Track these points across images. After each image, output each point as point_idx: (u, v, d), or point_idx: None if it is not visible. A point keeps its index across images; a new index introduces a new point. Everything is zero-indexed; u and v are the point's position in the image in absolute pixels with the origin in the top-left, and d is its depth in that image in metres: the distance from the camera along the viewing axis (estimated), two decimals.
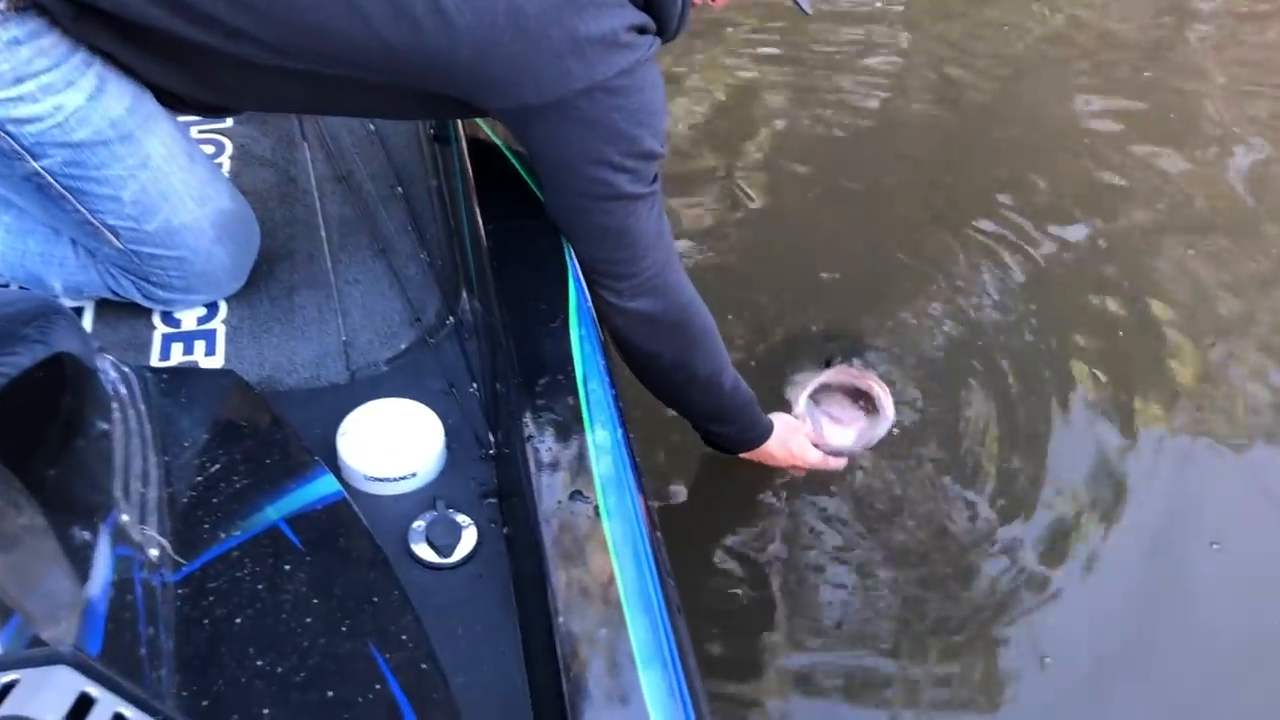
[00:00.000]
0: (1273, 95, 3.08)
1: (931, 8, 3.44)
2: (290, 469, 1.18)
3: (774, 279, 2.33)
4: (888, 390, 1.83)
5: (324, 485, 1.18)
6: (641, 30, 1.27)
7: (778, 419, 1.76)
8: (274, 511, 1.11)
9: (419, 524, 1.23)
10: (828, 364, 1.88)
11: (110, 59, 1.26)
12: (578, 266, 1.43)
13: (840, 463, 1.84)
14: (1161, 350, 2.22)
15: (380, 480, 1.27)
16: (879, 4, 3.42)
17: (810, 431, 1.80)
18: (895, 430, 1.88)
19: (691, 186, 2.58)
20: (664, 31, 1.32)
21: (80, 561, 0.78)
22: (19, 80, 1.19)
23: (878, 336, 2.20)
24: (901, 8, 3.42)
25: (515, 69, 1.22)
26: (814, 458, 1.80)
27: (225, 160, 1.74)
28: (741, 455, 1.77)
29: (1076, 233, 2.52)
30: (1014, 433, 2.01)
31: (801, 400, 1.81)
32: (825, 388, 1.84)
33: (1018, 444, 2.00)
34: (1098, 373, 2.15)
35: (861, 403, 1.85)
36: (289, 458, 1.20)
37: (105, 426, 0.96)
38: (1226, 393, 2.14)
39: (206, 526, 1.06)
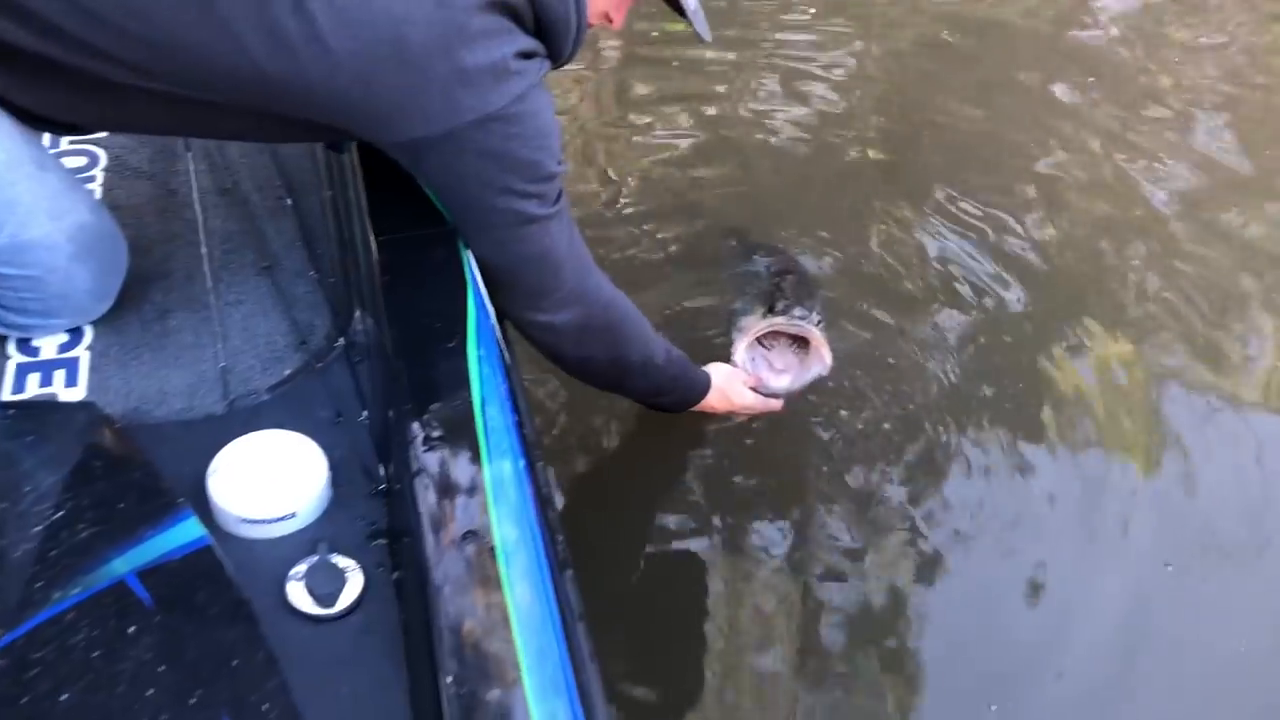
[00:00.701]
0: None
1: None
2: (147, 514, 1.05)
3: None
4: (824, 338, 1.81)
5: (186, 531, 1.05)
6: (530, 55, 1.23)
7: (714, 369, 1.76)
8: (123, 564, 0.99)
9: (298, 570, 1.10)
10: (770, 309, 1.85)
11: None
12: (479, 280, 1.32)
13: (777, 404, 1.84)
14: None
15: (255, 522, 1.14)
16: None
17: (747, 377, 1.80)
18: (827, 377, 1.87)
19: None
20: (557, 56, 1.29)
21: None
22: None
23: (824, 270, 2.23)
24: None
25: (401, 101, 1.16)
26: (752, 401, 1.80)
27: (98, 173, 1.60)
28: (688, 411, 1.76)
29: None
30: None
31: (741, 349, 1.80)
32: (768, 334, 1.83)
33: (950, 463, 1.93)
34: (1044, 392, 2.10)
35: (797, 347, 1.85)
36: (147, 501, 1.07)
37: None
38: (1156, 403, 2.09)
39: (39, 585, 0.93)
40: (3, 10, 1.07)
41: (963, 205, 2.54)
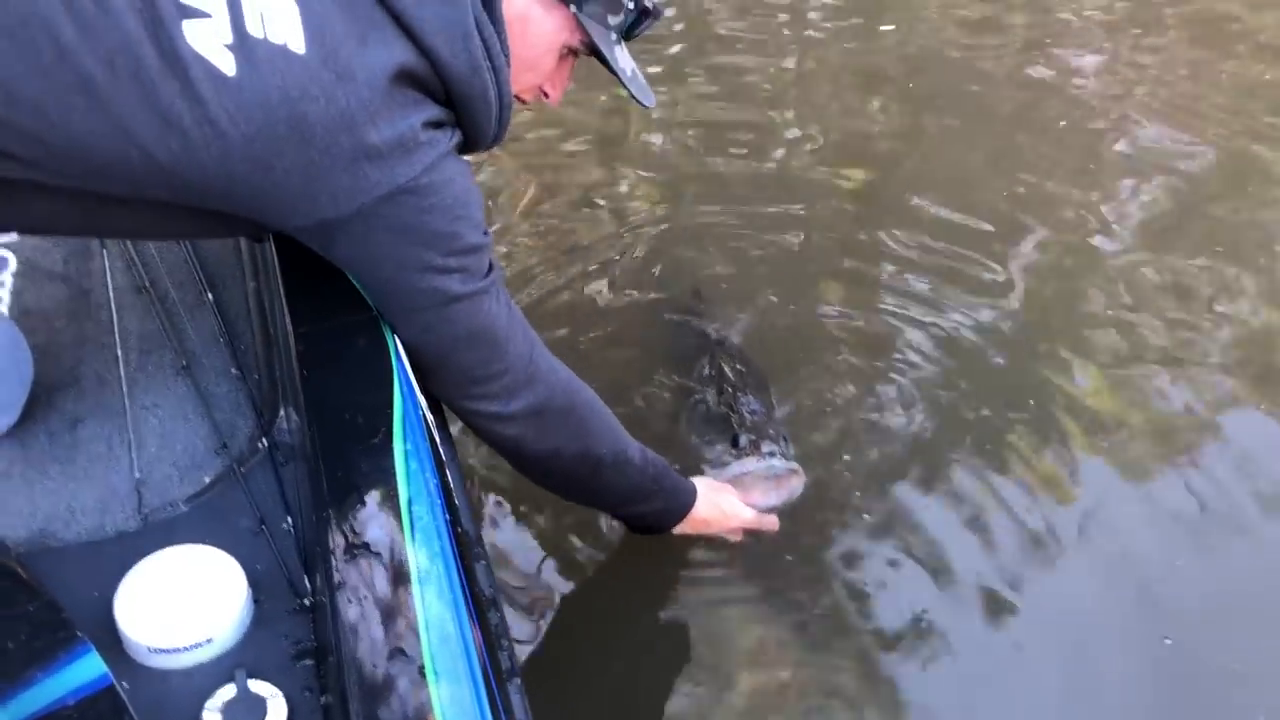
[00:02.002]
0: None
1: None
2: (39, 653, 0.96)
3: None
4: (796, 466, 1.73)
5: (84, 669, 0.96)
6: (439, 125, 1.17)
7: (699, 481, 1.62)
8: (6, 715, 0.89)
9: (213, 703, 1.00)
10: (735, 444, 1.76)
11: None
12: (406, 366, 1.23)
13: (774, 520, 1.70)
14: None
15: (166, 652, 1.04)
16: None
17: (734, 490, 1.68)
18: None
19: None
20: (480, 136, 1.23)
21: None
22: None
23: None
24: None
25: (304, 182, 1.10)
26: (749, 515, 1.66)
27: (7, 277, 1.51)
28: (674, 531, 1.61)
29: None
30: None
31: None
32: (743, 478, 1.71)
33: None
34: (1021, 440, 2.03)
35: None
36: (40, 638, 0.98)
37: None
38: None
39: None
40: None
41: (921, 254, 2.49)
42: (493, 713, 0.93)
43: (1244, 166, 2.86)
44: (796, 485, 1.73)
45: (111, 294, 1.50)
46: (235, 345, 1.43)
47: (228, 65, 1.03)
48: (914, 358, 2.18)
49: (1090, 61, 3.40)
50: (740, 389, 1.92)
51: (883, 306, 2.32)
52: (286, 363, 1.28)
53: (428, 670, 0.94)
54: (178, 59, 1.01)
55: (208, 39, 1.02)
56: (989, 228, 2.57)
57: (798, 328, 2.27)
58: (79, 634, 0.99)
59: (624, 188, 2.76)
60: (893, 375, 2.14)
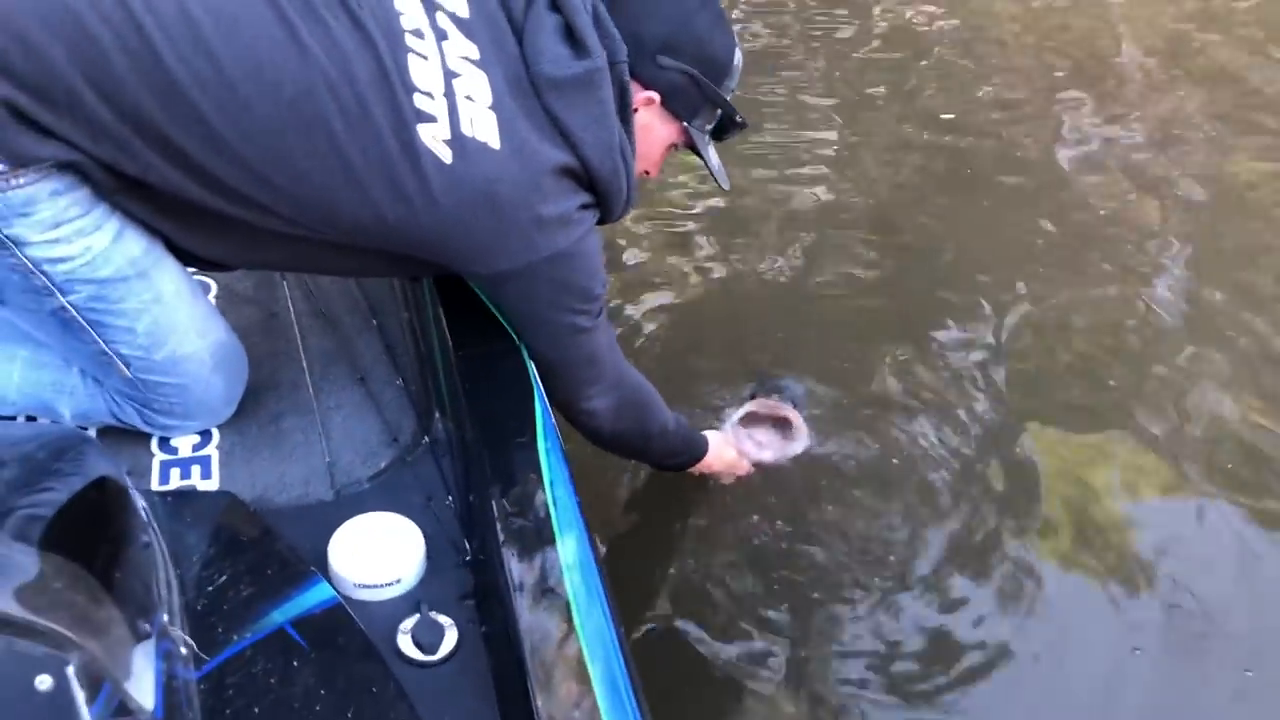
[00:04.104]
0: None
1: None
2: (290, 578, 1.31)
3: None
4: (800, 418, 2.19)
5: (320, 592, 1.31)
6: (587, 207, 1.55)
7: (710, 435, 2.07)
8: (279, 615, 1.24)
9: (405, 625, 1.35)
10: (751, 396, 2.24)
11: (128, 210, 1.42)
12: (541, 387, 1.59)
13: (750, 467, 2.17)
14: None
15: (368, 587, 1.39)
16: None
17: (734, 444, 2.14)
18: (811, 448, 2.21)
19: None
20: (610, 213, 1.59)
21: (143, 649, 0.91)
22: (57, 225, 1.36)
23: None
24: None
25: (490, 242, 1.47)
26: (745, 466, 2.15)
27: (211, 299, 1.89)
28: (688, 470, 2.08)
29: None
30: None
31: (726, 427, 2.17)
32: (750, 416, 2.19)
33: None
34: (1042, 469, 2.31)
35: (780, 429, 2.21)
36: (288, 568, 1.33)
37: (146, 539, 1.09)
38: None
39: (220, 630, 1.18)
40: (185, 171, 1.35)
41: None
42: (614, 630, 1.27)
43: None
44: (799, 443, 2.19)
45: (294, 317, 1.87)
46: (396, 362, 1.80)
47: (446, 155, 1.40)
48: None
49: None
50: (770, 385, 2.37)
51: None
52: (445, 378, 1.64)
53: (572, 606, 1.29)
54: (413, 149, 1.38)
55: (433, 135, 1.39)
56: None
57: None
58: (312, 568, 1.35)
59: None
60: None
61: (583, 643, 1.25)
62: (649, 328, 2.67)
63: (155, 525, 1.22)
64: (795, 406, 2.23)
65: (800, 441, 2.20)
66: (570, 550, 1.35)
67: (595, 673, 1.21)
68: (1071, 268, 2.95)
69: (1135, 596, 2.06)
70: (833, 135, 3.57)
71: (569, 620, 1.28)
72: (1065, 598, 2.06)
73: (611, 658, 1.24)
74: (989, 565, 2.11)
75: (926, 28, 4.30)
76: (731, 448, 2.13)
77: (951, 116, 3.68)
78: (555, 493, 1.43)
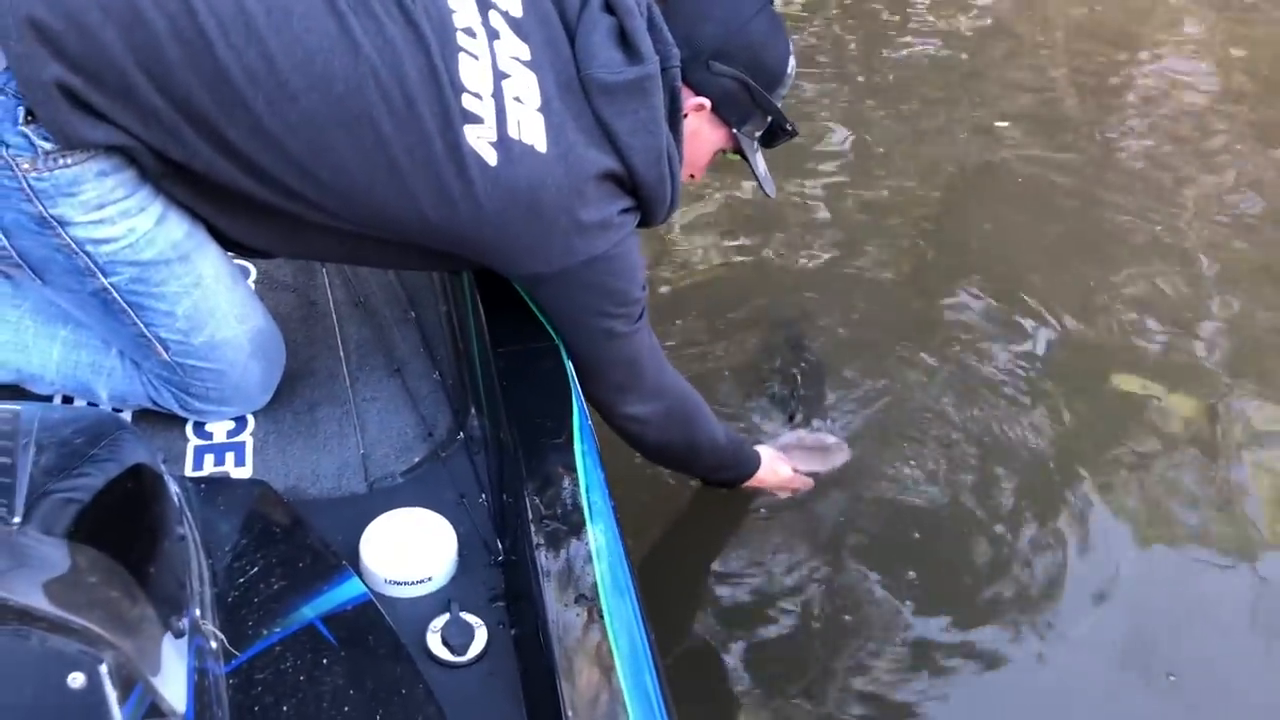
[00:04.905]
0: None
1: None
2: (321, 572, 1.30)
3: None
4: (842, 442, 2.24)
5: (352, 588, 1.30)
6: (628, 211, 1.53)
7: (762, 449, 2.06)
8: (310, 611, 1.23)
9: (435, 624, 1.34)
10: (791, 419, 2.28)
11: (172, 194, 1.42)
12: (579, 388, 1.57)
13: (811, 481, 2.17)
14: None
15: (399, 584, 1.38)
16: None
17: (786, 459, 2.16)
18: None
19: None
20: (653, 217, 1.58)
21: (176, 646, 0.90)
22: (101, 206, 1.36)
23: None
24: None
25: (531, 244, 1.47)
26: (803, 481, 2.14)
27: (250, 285, 1.88)
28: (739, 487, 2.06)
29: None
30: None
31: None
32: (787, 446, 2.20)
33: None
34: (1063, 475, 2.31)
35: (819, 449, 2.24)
36: (319, 562, 1.32)
37: (181, 531, 1.08)
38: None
39: (250, 624, 1.17)
40: (231, 159, 1.35)
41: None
42: (645, 637, 1.26)
43: None
44: (840, 457, 2.21)
45: (333, 306, 1.86)
46: (433, 356, 1.78)
47: (491, 157, 1.39)
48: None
49: None
50: (802, 378, 2.40)
51: None
52: (482, 374, 1.63)
53: (604, 612, 1.27)
54: (459, 151, 1.37)
55: (479, 137, 1.38)
56: None
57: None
58: (344, 563, 1.33)
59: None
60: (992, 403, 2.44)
61: (615, 651, 1.23)
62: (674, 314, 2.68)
63: (189, 515, 1.22)
64: (829, 421, 2.27)
65: (842, 454, 2.23)
66: (603, 555, 1.34)
67: (626, 682, 1.19)
68: (1110, 266, 2.95)
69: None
70: (866, 131, 3.55)
71: (601, 627, 1.26)
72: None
73: (643, 667, 1.23)
74: (1029, 571, 2.12)
75: (972, 29, 4.25)
76: (785, 463, 2.11)
77: (1004, 123, 3.65)
78: (590, 496, 1.41)
